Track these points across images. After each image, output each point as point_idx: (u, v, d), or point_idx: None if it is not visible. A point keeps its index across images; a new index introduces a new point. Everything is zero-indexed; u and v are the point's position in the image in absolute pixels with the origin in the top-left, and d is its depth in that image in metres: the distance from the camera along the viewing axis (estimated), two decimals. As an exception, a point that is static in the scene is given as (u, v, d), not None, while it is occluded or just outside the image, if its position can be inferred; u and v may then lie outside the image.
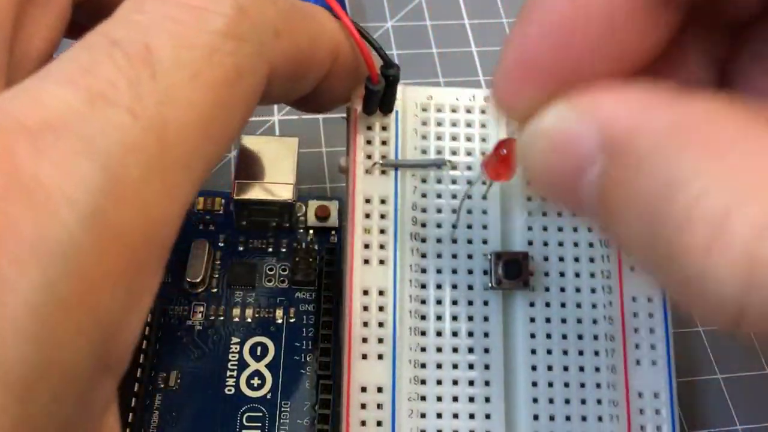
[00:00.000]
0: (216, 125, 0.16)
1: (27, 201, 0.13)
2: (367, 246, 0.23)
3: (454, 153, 0.24)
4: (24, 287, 0.12)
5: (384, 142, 0.23)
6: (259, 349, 0.26)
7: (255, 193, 0.26)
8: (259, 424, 0.24)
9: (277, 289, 0.27)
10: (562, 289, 0.23)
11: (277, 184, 0.26)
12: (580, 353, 0.22)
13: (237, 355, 0.26)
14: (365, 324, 0.22)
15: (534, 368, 0.22)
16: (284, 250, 0.28)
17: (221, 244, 0.28)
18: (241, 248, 0.28)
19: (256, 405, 0.25)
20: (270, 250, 0.28)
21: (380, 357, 0.22)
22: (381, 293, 0.23)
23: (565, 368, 0.22)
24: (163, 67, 0.15)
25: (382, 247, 0.23)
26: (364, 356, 0.22)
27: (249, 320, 0.27)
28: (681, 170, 0.12)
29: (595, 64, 0.15)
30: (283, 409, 0.25)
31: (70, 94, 0.14)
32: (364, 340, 0.22)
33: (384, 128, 0.24)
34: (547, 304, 0.23)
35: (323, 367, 0.25)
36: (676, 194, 0.12)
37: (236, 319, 0.26)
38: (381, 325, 0.22)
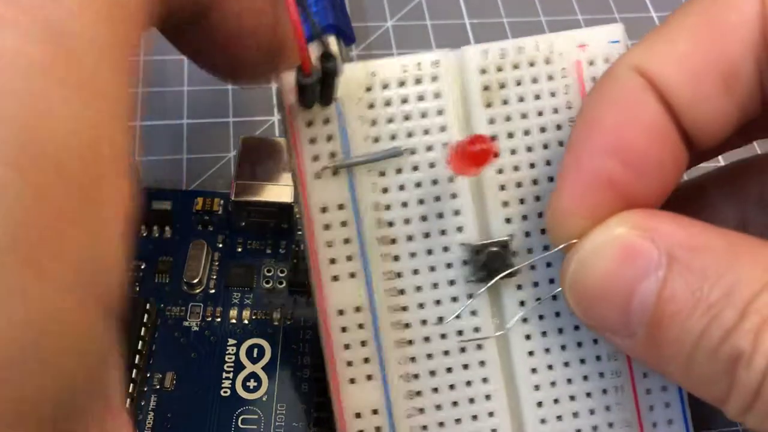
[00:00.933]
0: (119, 5, 0.14)
1: None
2: (333, 261, 0.20)
3: (410, 135, 0.21)
4: None
5: (330, 138, 0.20)
6: (255, 351, 0.25)
7: (254, 194, 0.26)
8: (255, 427, 0.24)
9: (275, 291, 0.27)
10: (548, 264, 0.21)
11: (276, 185, 0.26)
12: (576, 328, 0.21)
13: (233, 357, 0.25)
14: (347, 347, 0.20)
15: (531, 354, 0.21)
16: (283, 251, 0.28)
17: (219, 245, 0.28)
18: (239, 249, 0.28)
19: (252, 407, 0.24)
20: (268, 251, 0.28)
21: (369, 378, 0.21)
22: (357, 310, 0.20)
23: (563, 347, 0.21)
24: None
25: (349, 258, 0.20)
26: (352, 380, 0.20)
27: (246, 322, 0.26)
28: (738, 277, 0.16)
29: (643, 178, 0.18)
30: (278, 411, 0.24)
31: None
32: (349, 363, 0.20)
33: (327, 121, 0.20)
34: (535, 284, 0.21)
35: (320, 370, 0.23)
36: (733, 295, 0.16)
37: (233, 321, 0.26)
38: (364, 344, 0.20)
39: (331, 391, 0.20)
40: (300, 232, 0.27)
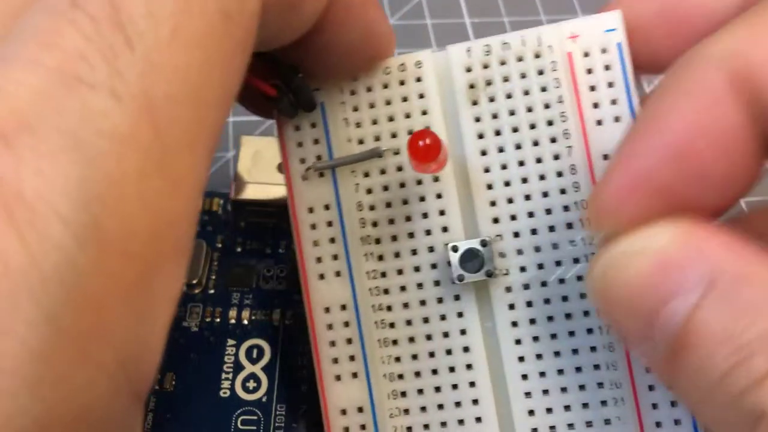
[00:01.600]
0: (211, 87, 0.13)
1: (10, 224, 0.11)
2: (319, 260, 0.21)
3: (394, 136, 0.21)
4: (19, 327, 0.11)
5: (316, 141, 0.21)
6: (255, 351, 0.25)
7: (253, 194, 0.26)
8: (254, 428, 0.24)
9: (275, 291, 0.26)
10: (540, 266, 0.20)
11: (276, 185, 0.26)
12: (571, 334, 0.20)
13: (233, 358, 0.25)
14: (332, 344, 0.21)
15: (522, 359, 0.20)
16: (282, 251, 0.27)
17: (219, 245, 0.28)
18: (239, 249, 0.27)
19: (252, 408, 0.24)
20: (268, 251, 0.27)
21: (354, 375, 0.21)
22: (343, 308, 0.21)
23: (557, 353, 0.20)
24: (136, 29, 0.12)
25: (335, 257, 0.21)
26: (338, 377, 0.21)
27: (245, 322, 0.26)
28: None
29: (702, 190, 0.16)
30: (278, 412, 0.24)
31: (39, 77, 0.12)
32: (335, 360, 0.21)
33: (313, 125, 0.21)
34: (526, 287, 0.20)
35: None
36: None
37: (233, 321, 0.26)
38: (349, 341, 0.21)
39: (318, 387, 0.21)
40: None
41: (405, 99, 0.21)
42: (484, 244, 0.20)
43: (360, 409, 0.21)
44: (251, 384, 0.25)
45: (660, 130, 0.16)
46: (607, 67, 0.20)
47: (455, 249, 0.20)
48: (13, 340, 0.11)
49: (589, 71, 0.20)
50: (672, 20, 0.19)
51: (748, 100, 0.15)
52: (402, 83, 0.21)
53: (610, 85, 0.20)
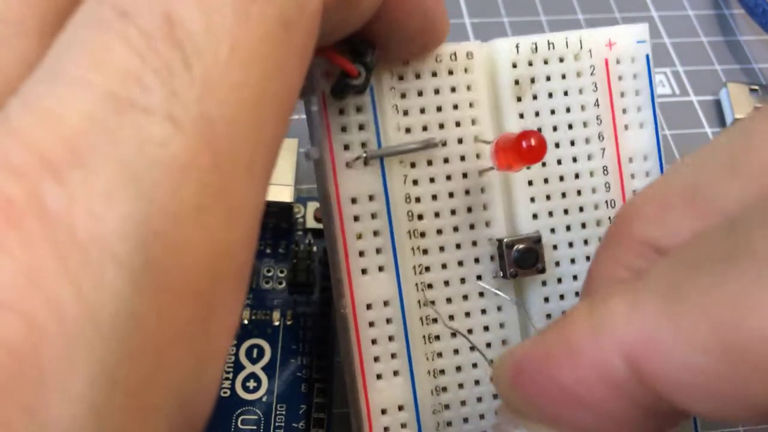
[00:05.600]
0: (270, 103, 0.12)
1: (64, 270, 0.10)
2: (362, 254, 0.20)
3: (441, 126, 0.20)
4: (76, 386, 0.10)
5: (362, 126, 0.20)
6: (255, 351, 0.25)
7: None
8: (255, 427, 0.23)
9: (275, 291, 0.26)
10: (573, 261, 0.21)
11: (275, 185, 0.25)
12: (597, 325, 0.21)
13: (233, 357, 0.24)
14: (374, 342, 0.20)
15: (553, 350, 0.21)
16: (282, 251, 0.27)
17: None
18: None
19: (252, 408, 0.24)
20: (268, 251, 0.27)
21: (396, 374, 0.20)
22: (386, 304, 0.20)
23: (584, 344, 0.21)
24: (194, 46, 0.11)
25: (379, 251, 0.20)
26: (379, 376, 0.20)
27: (246, 322, 0.25)
28: None
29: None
30: (278, 412, 0.23)
31: (89, 101, 0.11)
32: (376, 359, 0.20)
33: (359, 109, 0.20)
34: (559, 280, 0.21)
35: (319, 371, 0.23)
36: None
37: None
38: (391, 339, 0.20)
39: (355, 387, 0.20)
40: (300, 232, 0.27)
41: (453, 89, 0.20)
42: (537, 240, 0.20)
43: (401, 408, 0.20)
44: (251, 384, 0.24)
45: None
46: (635, 76, 0.21)
47: (510, 245, 0.20)
48: (71, 401, 0.10)
49: (620, 78, 0.21)
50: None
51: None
52: (451, 73, 0.20)
53: (637, 93, 0.21)
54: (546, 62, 0.21)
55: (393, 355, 0.20)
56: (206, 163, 0.11)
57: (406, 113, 0.20)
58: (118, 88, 0.11)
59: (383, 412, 0.20)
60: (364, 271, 0.20)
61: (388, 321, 0.20)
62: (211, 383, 0.13)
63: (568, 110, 0.21)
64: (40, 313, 0.10)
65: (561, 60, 0.21)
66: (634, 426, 0.14)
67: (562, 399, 0.14)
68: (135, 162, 0.11)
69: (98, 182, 0.10)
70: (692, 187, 0.15)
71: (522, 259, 0.20)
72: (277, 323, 0.25)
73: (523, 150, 0.18)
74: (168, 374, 0.11)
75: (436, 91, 0.20)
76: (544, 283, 0.21)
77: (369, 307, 0.20)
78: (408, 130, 0.20)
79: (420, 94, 0.20)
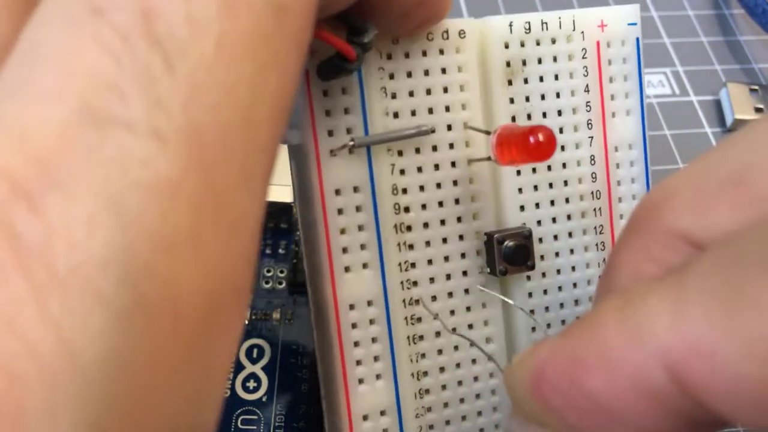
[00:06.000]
0: (264, 102, 0.11)
1: (43, 311, 0.09)
2: (345, 250, 0.18)
3: (430, 111, 0.19)
4: None
5: (347, 110, 0.18)
6: (255, 351, 0.24)
7: None
8: (254, 428, 0.23)
9: (275, 291, 0.25)
10: (557, 254, 0.20)
11: (275, 185, 0.23)
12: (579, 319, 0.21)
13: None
14: (357, 344, 0.18)
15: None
16: (282, 251, 0.26)
17: None
18: None
19: (252, 408, 0.23)
20: (268, 251, 0.26)
21: (378, 377, 0.19)
22: (370, 304, 0.18)
23: (566, 339, 0.21)
24: (176, 43, 0.10)
25: (363, 247, 0.18)
26: (361, 381, 0.19)
27: (245, 322, 0.25)
28: None
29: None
30: (278, 412, 0.23)
31: (63, 116, 0.09)
32: (359, 362, 0.18)
33: (344, 91, 0.18)
34: (543, 275, 0.20)
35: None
36: None
37: None
38: (375, 341, 0.19)
39: (334, 392, 0.18)
40: (300, 232, 0.25)
41: (444, 71, 0.19)
42: (527, 235, 0.19)
43: (383, 413, 0.19)
44: (251, 384, 0.23)
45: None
46: (624, 60, 0.20)
47: (501, 241, 0.19)
48: None
49: (610, 62, 0.20)
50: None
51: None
52: (442, 52, 0.18)
53: (626, 78, 0.20)
54: (538, 43, 0.19)
55: (376, 358, 0.19)
56: (198, 180, 0.10)
57: (394, 96, 0.18)
58: (94, 99, 0.10)
59: (365, 418, 0.19)
60: (347, 269, 0.18)
61: (372, 322, 0.18)
62: (211, 413, 0.12)
63: (558, 95, 0.20)
64: (17, 362, 0.09)
65: (553, 41, 0.20)
66: None
67: (590, 410, 0.13)
68: (118, 185, 0.09)
69: (78, 209, 0.09)
70: (737, 173, 0.13)
71: (513, 256, 0.19)
72: (277, 323, 0.24)
73: (530, 146, 0.16)
74: (161, 417, 0.10)
75: (426, 73, 0.18)
76: (528, 278, 0.20)
77: (352, 307, 0.18)
78: (396, 115, 0.18)
79: (409, 75, 0.18)
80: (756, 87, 0.31)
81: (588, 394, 0.13)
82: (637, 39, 0.20)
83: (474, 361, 0.20)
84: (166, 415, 0.10)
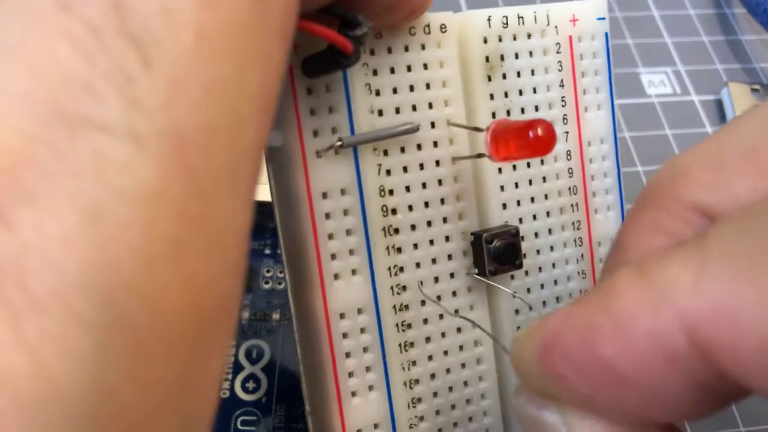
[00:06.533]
0: (249, 98, 0.10)
1: (18, 336, 0.08)
2: (334, 257, 0.17)
3: (414, 108, 0.18)
4: None
5: (331, 109, 0.17)
6: (254, 351, 0.24)
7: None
8: (254, 428, 0.22)
9: (275, 292, 0.25)
10: (539, 252, 0.20)
11: None
12: (561, 317, 0.20)
13: (232, 358, 0.23)
14: (348, 355, 0.17)
15: (521, 346, 0.20)
16: (282, 252, 0.23)
17: None
18: None
19: (251, 408, 0.23)
20: (267, 252, 0.26)
21: (371, 389, 0.18)
22: (360, 311, 0.18)
23: (549, 337, 0.20)
24: (152, 37, 0.09)
25: (352, 253, 0.17)
26: (354, 393, 0.18)
27: (245, 322, 0.24)
28: None
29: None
30: (278, 413, 0.23)
31: (32, 119, 0.09)
32: (351, 374, 0.18)
33: (328, 88, 0.17)
34: (527, 273, 0.20)
35: None
36: None
37: None
38: (366, 350, 0.18)
39: (325, 407, 0.17)
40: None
41: (426, 66, 0.18)
42: (515, 233, 0.19)
43: (376, 426, 0.18)
44: (251, 384, 0.23)
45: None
46: (594, 55, 0.20)
47: (489, 241, 0.18)
48: None
49: (581, 57, 0.20)
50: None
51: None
52: (423, 47, 0.18)
53: (596, 73, 0.20)
54: (515, 38, 0.19)
55: (368, 369, 0.18)
56: (181, 187, 0.09)
57: (378, 93, 0.17)
58: (64, 99, 0.09)
59: (358, 432, 0.18)
60: (336, 276, 0.17)
61: (363, 330, 0.18)
62: (202, 425, 0.11)
63: (534, 91, 0.19)
64: None
65: (529, 36, 0.19)
66: (684, 407, 0.12)
67: (603, 377, 0.12)
68: (95, 195, 0.09)
69: (52, 223, 0.09)
70: (752, 144, 0.13)
71: (502, 255, 0.18)
72: (276, 324, 0.24)
73: (530, 140, 0.16)
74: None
75: (409, 68, 0.18)
76: (512, 277, 0.20)
77: (342, 316, 0.17)
78: (381, 113, 0.17)
79: (392, 71, 0.17)
80: (757, 86, 0.32)
81: (601, 360, 0.12)
82: (606, 34, 0.20)
83: (464, 365, 0.19)
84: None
